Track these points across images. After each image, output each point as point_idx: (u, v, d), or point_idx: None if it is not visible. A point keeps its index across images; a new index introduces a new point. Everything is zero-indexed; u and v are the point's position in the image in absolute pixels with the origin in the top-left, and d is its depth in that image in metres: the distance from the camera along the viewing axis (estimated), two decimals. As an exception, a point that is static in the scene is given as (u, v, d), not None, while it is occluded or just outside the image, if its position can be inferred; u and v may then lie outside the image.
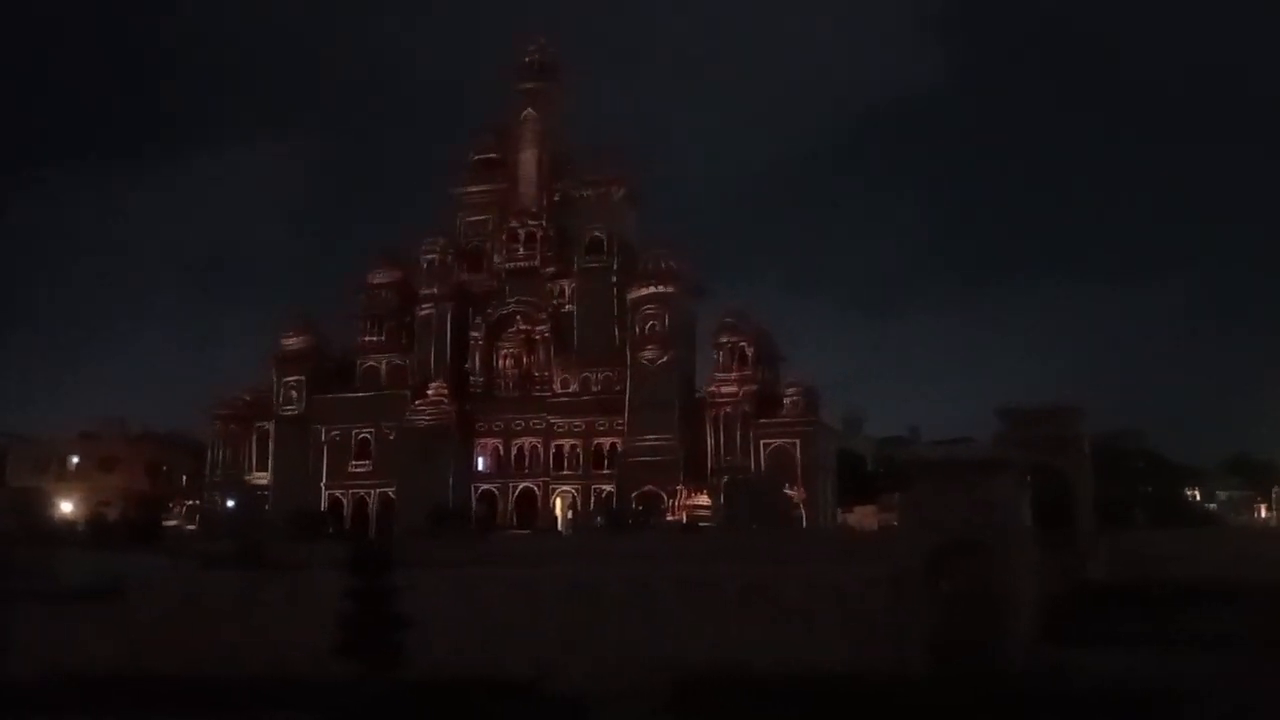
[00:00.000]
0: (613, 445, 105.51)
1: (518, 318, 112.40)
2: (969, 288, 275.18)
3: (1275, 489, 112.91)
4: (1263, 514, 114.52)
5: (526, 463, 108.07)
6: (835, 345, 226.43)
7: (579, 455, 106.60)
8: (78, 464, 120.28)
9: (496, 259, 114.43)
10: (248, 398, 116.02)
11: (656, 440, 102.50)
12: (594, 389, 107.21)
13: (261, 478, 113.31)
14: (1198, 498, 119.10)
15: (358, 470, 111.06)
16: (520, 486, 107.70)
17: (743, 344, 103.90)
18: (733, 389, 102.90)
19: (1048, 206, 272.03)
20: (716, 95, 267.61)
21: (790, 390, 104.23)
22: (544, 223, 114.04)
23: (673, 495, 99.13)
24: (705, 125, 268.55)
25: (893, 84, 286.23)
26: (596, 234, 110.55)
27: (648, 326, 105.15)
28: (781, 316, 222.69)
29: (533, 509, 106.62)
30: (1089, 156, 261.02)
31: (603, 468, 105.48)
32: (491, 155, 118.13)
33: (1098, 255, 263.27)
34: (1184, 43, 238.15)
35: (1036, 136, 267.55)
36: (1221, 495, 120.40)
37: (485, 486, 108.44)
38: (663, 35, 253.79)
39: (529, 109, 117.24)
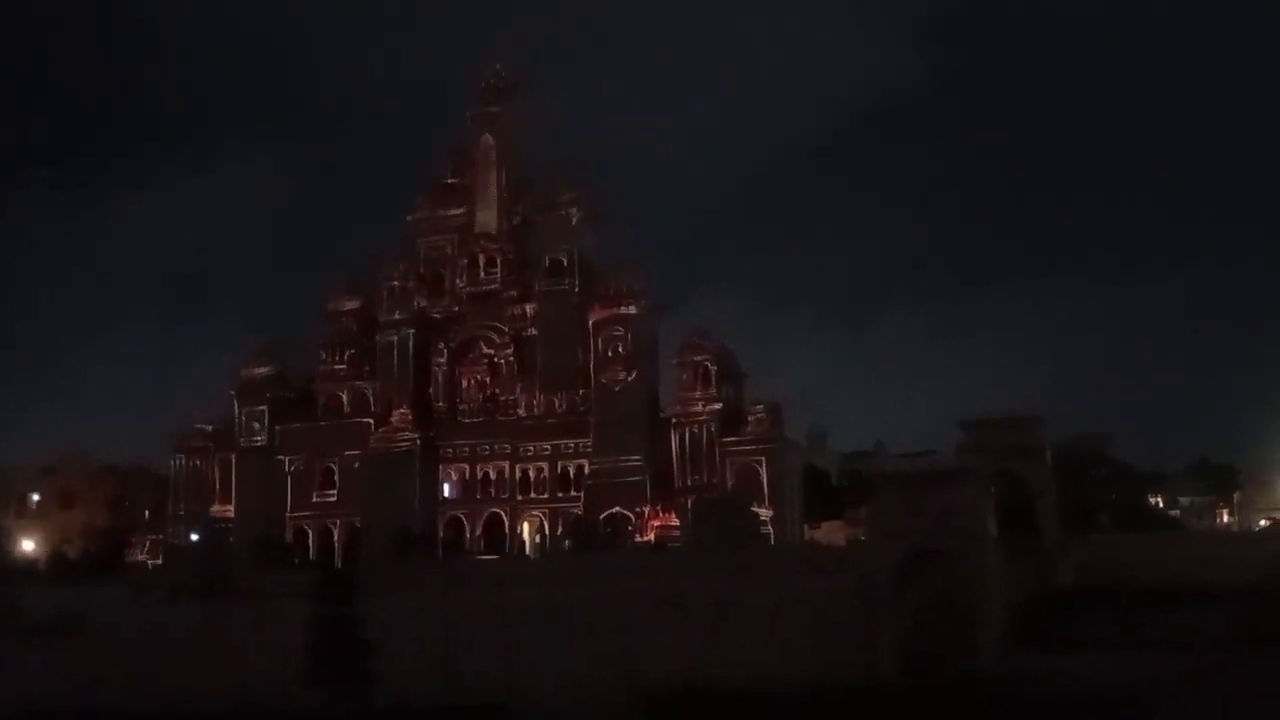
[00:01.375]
0: (579, 467, 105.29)
1: (480, 342, 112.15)
2: (956, 291, 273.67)
3: (1236, 494, 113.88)
4: (1225, 519, 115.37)
5: (493, 487, 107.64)
6: (806, 357, 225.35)
7: (546, 478, 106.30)
8: (38, 501, 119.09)
9: (458, 283, 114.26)
10: (210, 428, 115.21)
11: (623, 461, 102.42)
12: (559, 411, 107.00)
13: (226, 510, 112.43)
14: (1160, 504, 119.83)
15: (323, 500, 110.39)
16: (488, 511, 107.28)
17: (706, 362, 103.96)
18: (698, 408, 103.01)
19: (1041, 207, 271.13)
20: (696, 100, 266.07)
21: (755, 407, 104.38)
22: (504, 246, 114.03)
23: (640, 516, 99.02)
24: (685, 131, 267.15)
25: (880, 84, 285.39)
26: (557, 256, 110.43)
27: (611, 347, 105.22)
28: (754, 328, 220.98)
29: (501, 533, 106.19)
30: (1087, 156, 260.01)
31: (570, 490, 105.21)
32: (451, 180, 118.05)
33: (1095, 256, 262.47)
34: (1184, 41, 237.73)
35: (1032, 137, 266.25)
36: (1184, 501, 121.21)
37: (452, 512, 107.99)
38: (637, 37, 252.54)
39: (487, 134, 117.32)
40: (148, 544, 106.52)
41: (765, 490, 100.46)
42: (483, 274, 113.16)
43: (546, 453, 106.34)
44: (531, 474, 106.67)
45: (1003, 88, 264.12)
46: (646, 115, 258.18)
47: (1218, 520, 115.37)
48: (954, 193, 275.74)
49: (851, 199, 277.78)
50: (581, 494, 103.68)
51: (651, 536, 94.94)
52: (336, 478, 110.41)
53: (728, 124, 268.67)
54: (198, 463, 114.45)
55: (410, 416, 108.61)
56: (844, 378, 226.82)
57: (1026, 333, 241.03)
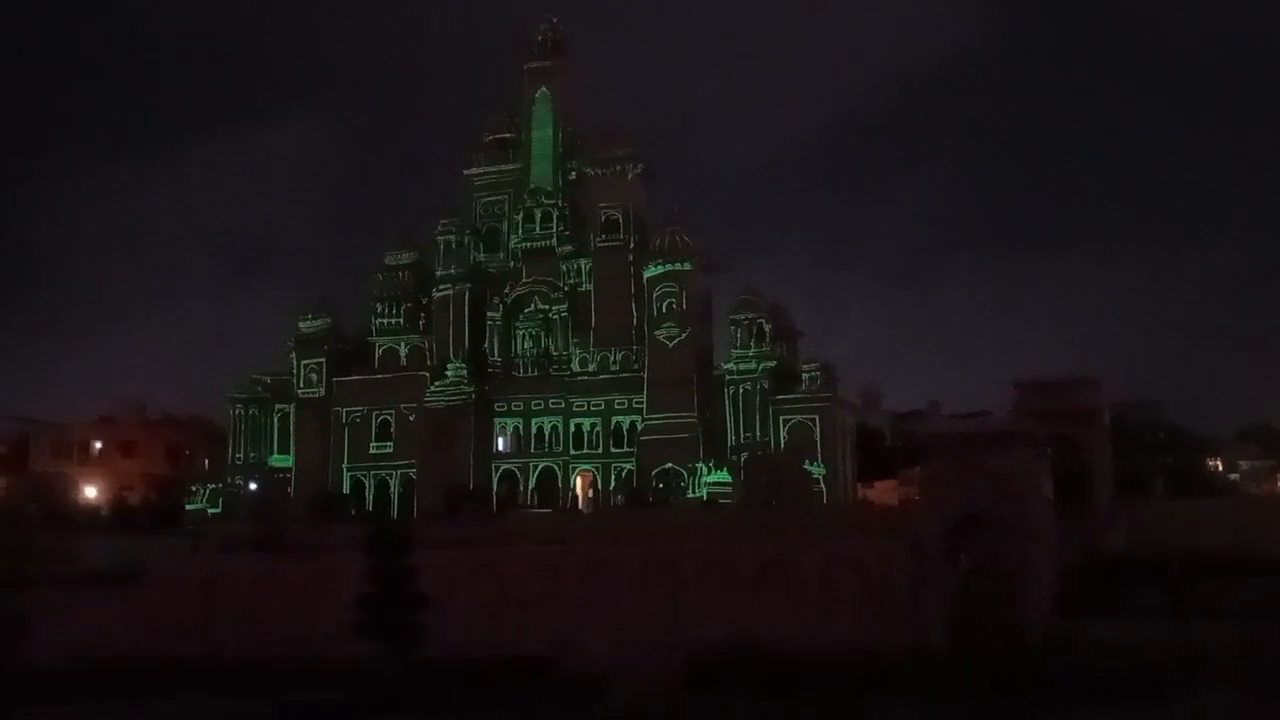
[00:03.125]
0: (632, 424, 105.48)
1: (535, 298, 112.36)
2: (1015, 257, 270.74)
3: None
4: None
5: (546, 442, 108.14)
6: (862, 319, 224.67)
7: (598, 434, 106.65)
8: (99, 449, 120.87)
9: (512, 239, 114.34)
10: (268, 380, 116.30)
11: (675, 418, 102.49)
12: (612, 368, 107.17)
13: (283, 461, 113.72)
14: (1220, 468, 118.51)
15: (379, 452, 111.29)
16: (540, 466, 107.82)
17: (760, 320, 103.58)
18: (751, 365, 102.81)
19: (1103, 173, 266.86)
20: (751, 63, 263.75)
21: (809, 366, 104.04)
22: (559, 202, 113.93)
23: (692, 473, 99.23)
24: (739, 95, 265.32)
25: (942, 47, 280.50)
26: (611, 213, 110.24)
27: (664, 304, 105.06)
28: (809, 290, 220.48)
29: (553, 488, 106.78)
30: (1150, 121, 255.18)
31: (622, 446, 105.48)
32: (505, 135, 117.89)
33: (1155, 223, 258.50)
34: (1255, 3, 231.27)
35: (1095, 101, 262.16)
36: (1242, 466, 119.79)
37: (505, 466, 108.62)
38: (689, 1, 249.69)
39: (541, 88, 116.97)
40: (207, 493, 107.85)
41: (818, 449, 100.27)
42: (538, 229, 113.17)
43: (599, 408, 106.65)
44: (585, 429, 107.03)
45: (1067, 50, 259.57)
46: (699, 78, 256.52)
47: (1276, 486, 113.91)
48: (1015, 157, 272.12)
49: (911, 163, 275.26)
50: (634, 450, 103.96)
51: (703, 493, 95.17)
52: (392, 430, 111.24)
53: (783, 88, 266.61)
54: (256, 413, 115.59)
55: (465, 371, 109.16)
56: (899, 339, 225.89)
57: (1084, 298, 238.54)
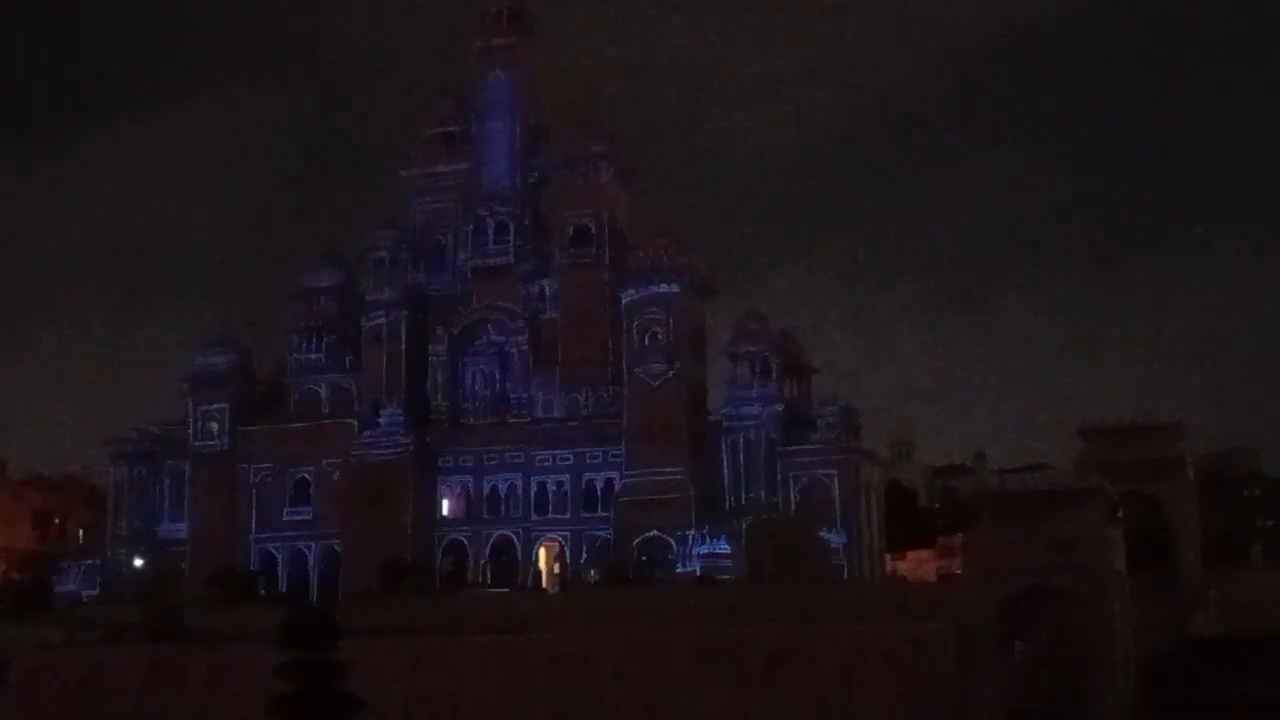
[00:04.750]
0: (608, 481, 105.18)
1: (488, 327, 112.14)
2: (1090, 266, 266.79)
3: None
4: None
5: (503, 505, 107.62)
6: (892, 350, 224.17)
7: (567, 495, 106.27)
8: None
9: (461, 255, 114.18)
10: (157, 430, 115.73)
11: (661, 474, 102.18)
12: (583, 412, 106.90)
13: (177, 530, 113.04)
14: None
15: (295, 518, 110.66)
16: (495, 535, 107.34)
17: (764, 353, 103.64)
18: (754, 409, 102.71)
19: (1206, 162, 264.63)
20: (768, 40, 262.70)
21: (825, 409, 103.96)
22: (517, 209, 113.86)
23: (683, 542, 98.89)
24: (756, 84, 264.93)
25: (1008, 18, 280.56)
26: (582, 222, 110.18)
27: (647, 335, 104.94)
28: (827, 314, 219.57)
29: (511, 562, 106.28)
30: (1259, 103, 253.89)
31: (596, 509, 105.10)
32: (452, 128, 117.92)
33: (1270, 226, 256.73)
34: None
35: (1198, 74, 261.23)
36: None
37: (452, 535, 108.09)
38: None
39: (497, 71, 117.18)
40: (82, 571, 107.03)
41: (837, 511, 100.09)
42: (491, 244, 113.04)
43: (568, 463, 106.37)
44: (550, 489, 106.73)
45: (1166, 16, 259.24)
46: (702, 59, 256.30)
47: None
48: (1098, 148, 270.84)
49: (969, 158, 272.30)
50: (610, 514, 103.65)
51: (696, 568, 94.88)
52: (311, 491, 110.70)
53: (809, 75, 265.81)
54: (143, 472, 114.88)
55: (402, 417, 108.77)
56: (941, 375, 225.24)
57: (1175, 318, 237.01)
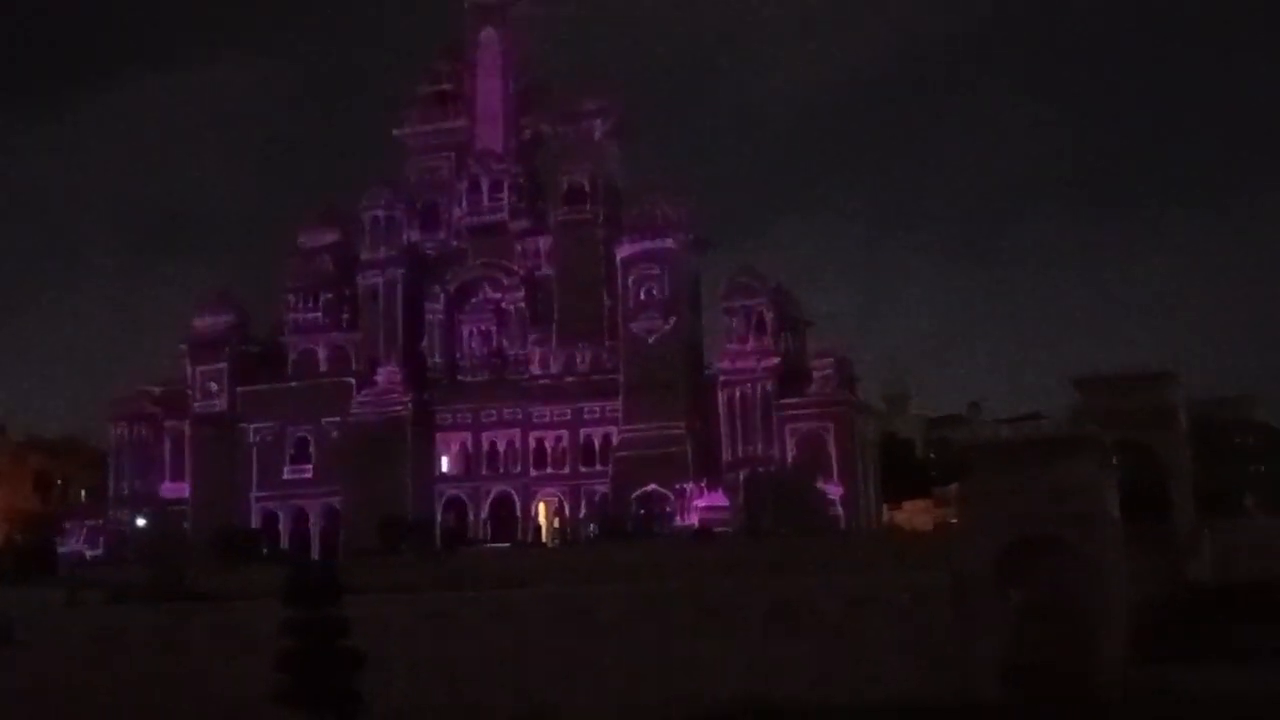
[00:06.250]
0: (605, 436, 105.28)
1: (484, 285, 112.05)
2: (1098, 212, 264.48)
3: None
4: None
5: (501, 462, 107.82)
6: (888, 300, 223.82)
7: (564, 450, 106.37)
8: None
9: (456, 213, 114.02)
10: (157, 391, 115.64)
11: (658, 429, 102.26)
12: (580, 369, 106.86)
13: (177, 490, 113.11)
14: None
15: (295, 477, 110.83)
16: (495, 491, 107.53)
17: (760, 307, 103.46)
18: (749, 363, 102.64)
19: (1229, 106, 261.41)
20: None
21: (821, 362, 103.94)
22: (512, 167, 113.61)
23: (681, 495, 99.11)
24: (758, 32, 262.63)
25: None
26: (577, 179, 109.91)
27: (643, 290, 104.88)
28: (826, 265, 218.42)
29: (511, 517, 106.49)
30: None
31: (594, 464, 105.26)
32: (445, 86, 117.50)
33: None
34: None
35: (1199, 23, 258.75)
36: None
37: (452, 492, 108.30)
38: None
39: (489, 28, 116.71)
40: (85, 532, 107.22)
41: (834, 463, 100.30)
42: (486, 201, 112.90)
43: (566, 418, 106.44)
44: (548, 445, 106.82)
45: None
46: (699, 10, 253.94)
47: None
48: (1112, 93, 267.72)
49: (978, 105, 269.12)
50: (609, 468, 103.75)
51: (695, 520, 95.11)
52: (311, 450, 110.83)
53: (819, 24, 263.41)
54: (143, 432, 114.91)
55: (400, 376, 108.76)
56: (937, 326, 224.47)
57: (1180, 264, 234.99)
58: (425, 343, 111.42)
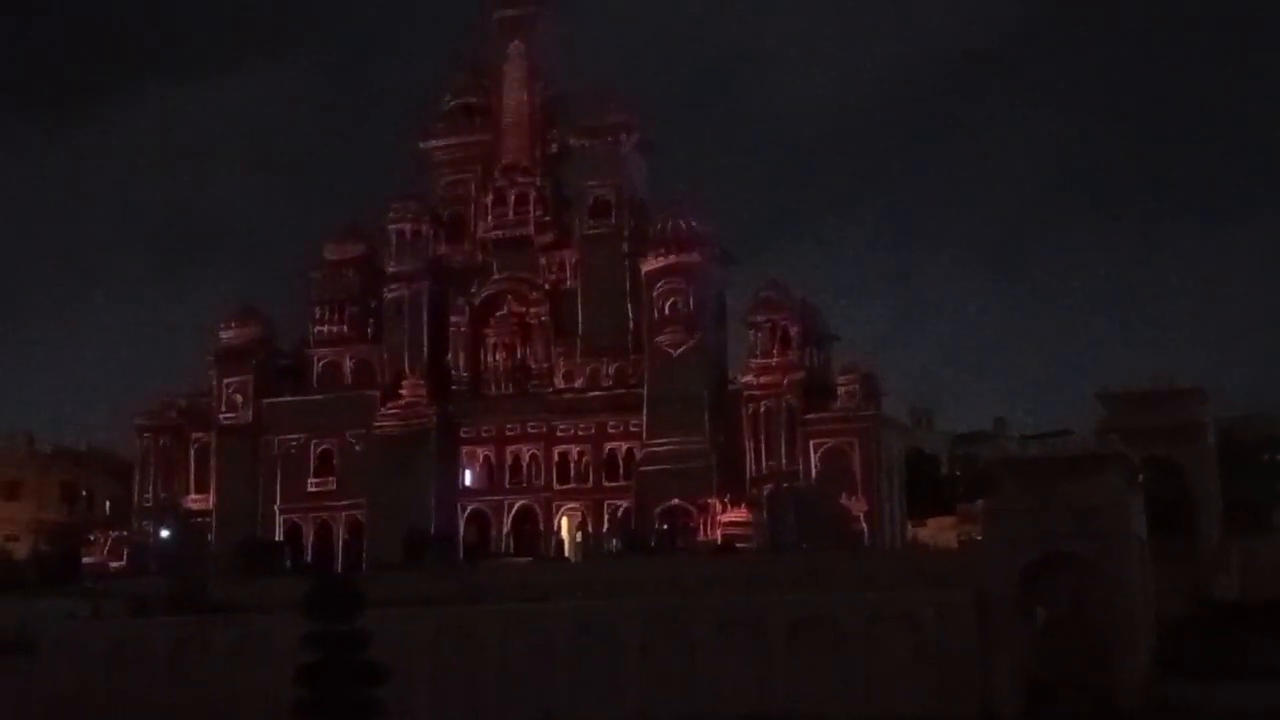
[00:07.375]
0: (629, 451, 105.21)
1: (509, 298, 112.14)
2: (1136, 227, 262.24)
3: None
4: None
5: (524, 475, 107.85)
6: (914, 317, 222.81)
7: (588, 464, 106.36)
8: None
9: (480, 227, 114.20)
10: (183, 403, 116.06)
11: (682, 443, 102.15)
12: (604, 383, 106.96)
13: (201, 501, 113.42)
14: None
15: (318, 489, 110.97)
16: (517, 504, 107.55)
17: (785, 322, 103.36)
18: (774, 378, 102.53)
19: (1247, 127, 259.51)
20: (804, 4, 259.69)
21: (845, 377, 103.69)
22: (538, 180, 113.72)
23: (704, 510, 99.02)
24: (783, 44, 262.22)
25: None
26: (602, 193, 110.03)
27: (667, 304, 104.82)
28: (849, 282, 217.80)
29: (534, 531, 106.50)
30: None
31: (617, 479, 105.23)
32: (471, 99, 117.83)
33: None
34: None
35: (1235, 35, 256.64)
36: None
37: (474, 505, 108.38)
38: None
39: (515, 41, 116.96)
40: (109, 543, 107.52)
41: (858, 479, 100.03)
42: (511, 215, 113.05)
43: (589, 433, 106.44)
44: (571, 458, 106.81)
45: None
46: (725, 22, 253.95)
47: None
48: (1138, 105, 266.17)
49: (1012, 113, 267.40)
50: (632, 483, 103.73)
51: (718, 536, 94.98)
52: (335, 462, 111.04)
53: (842, 31, 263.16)
54: (168, 444, 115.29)
55: (424, 389, 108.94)
56: (963, 341, 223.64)
57: (1210, 279, 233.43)
58: (449, 356, 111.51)
